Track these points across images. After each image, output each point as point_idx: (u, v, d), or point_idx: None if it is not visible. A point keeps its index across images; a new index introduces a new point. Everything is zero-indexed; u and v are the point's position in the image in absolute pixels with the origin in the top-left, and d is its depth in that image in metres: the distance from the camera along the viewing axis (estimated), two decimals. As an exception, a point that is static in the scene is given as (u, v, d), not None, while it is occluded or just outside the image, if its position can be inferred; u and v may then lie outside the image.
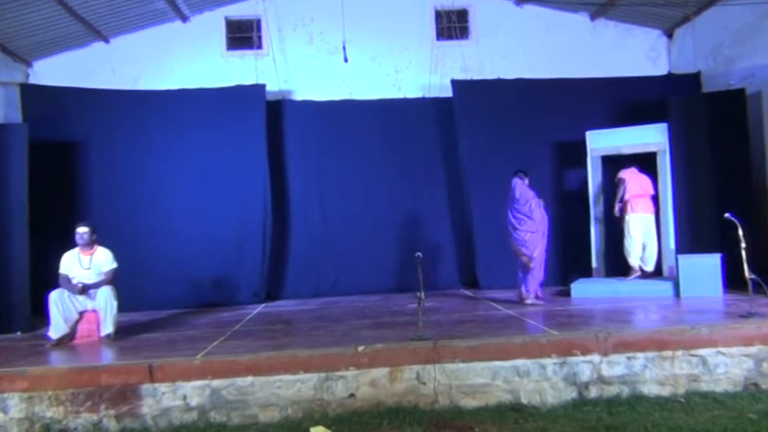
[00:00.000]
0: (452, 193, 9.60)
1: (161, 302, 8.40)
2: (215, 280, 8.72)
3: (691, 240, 7.87)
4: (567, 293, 7.64)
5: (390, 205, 9.41)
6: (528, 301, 6.98)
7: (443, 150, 9.62)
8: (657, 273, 7.89)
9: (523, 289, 6.98)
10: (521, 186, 7.06)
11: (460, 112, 9.34)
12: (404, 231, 9.31)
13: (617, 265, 8.19)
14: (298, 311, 7.92)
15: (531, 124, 9.07)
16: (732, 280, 6.86)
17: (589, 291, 7.63)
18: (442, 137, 9.60)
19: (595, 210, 8.49)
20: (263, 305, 8.69)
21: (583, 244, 8.44)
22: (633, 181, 7.71)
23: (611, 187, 8.35)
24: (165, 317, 7.76)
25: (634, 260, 7.80)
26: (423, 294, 5.13)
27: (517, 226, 6.97)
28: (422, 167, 9.52)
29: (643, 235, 7.75)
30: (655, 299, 7.05)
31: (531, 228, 6.94)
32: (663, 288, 7.33)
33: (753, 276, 5.65)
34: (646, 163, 8.03)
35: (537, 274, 7.02)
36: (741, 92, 8.23)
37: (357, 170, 9.45)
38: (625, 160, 8.13)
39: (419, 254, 5.25)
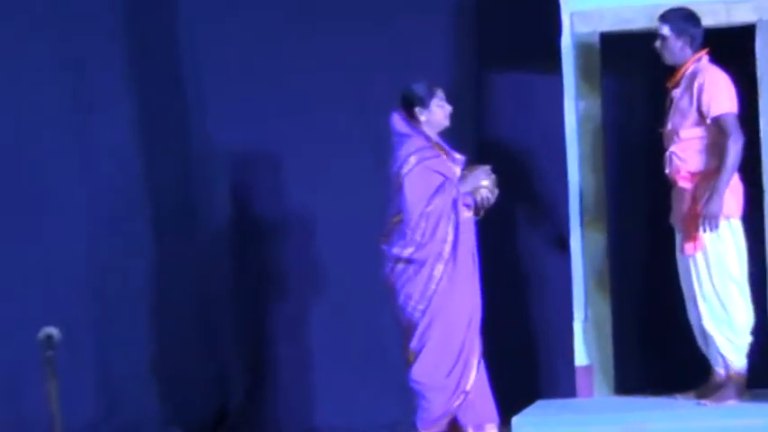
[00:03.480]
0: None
1: None
2: None
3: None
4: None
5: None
6: None
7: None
8: (753, 373, 6.46)
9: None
10: (397, 132, 6.19)
11: None
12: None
13: (649, 360, 7.32)
14: None
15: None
16: None
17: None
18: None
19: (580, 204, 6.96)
20: None
21: (544, 298, 7.50)
22: None
23: (627, 127, 7.32)
24: None
25: (740, 347, 6.24)
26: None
27: (383, 245, 6.19)
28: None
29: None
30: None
31: (403, 249, 6.02)
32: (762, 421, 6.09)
33: None
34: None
35: (430, 379, 6.17)
36: None
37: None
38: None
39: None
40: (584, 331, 6.60)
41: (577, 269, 6.63)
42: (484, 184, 5.81)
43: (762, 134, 6.21)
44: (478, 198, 5.73)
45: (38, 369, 5.16)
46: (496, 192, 5.79)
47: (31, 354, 5.30)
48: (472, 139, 6.99)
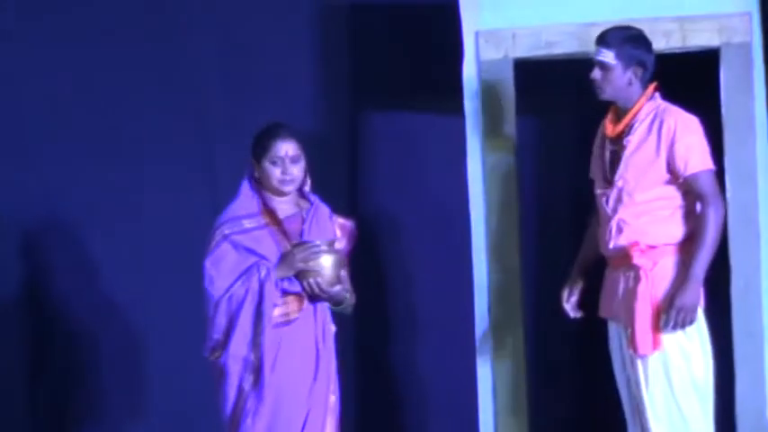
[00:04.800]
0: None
1: None
2: None
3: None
4: None
5: None
6: None
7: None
8: None
9: None
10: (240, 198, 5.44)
11: None
12: None
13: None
14: None
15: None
16: None
17: None
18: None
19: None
20: None
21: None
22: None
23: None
24: None
25: None
26: None
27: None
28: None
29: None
30: None
31: (208, 352, 5.12)
32: None
33: None
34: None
35: None
36: None
37: None
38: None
39: None
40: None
41: (485, 390, 5.49)
42: (312, 265, 4.58)
43: (729, 195, 5.13)
44: (305, 284, 4.54)
45: None
46: (341, 274, 4.61)
47: None
48: (344, 204, 5.71)
